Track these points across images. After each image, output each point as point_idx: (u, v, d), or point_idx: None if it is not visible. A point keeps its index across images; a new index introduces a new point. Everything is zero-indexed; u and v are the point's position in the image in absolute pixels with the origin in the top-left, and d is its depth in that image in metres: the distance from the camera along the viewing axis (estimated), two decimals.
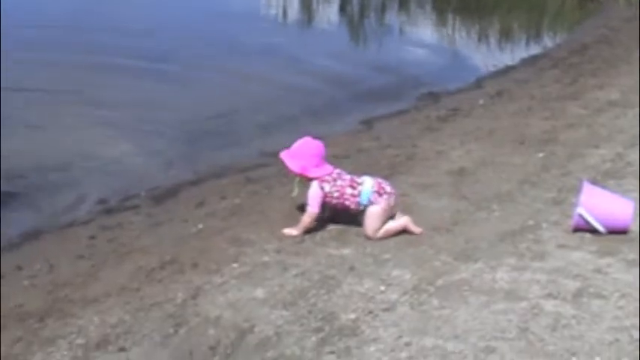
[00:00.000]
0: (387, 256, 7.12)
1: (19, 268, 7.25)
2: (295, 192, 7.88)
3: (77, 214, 8.51)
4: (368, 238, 7.56)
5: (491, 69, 15.56)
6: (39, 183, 9.28)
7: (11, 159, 9.64)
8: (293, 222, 7.78)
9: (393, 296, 6.40)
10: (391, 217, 7.71)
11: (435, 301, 6.33)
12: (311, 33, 19.17)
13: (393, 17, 21.23)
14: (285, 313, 6.15)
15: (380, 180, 7.79)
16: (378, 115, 12.08)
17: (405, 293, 6.45)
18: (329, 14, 21.16)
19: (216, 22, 18.22)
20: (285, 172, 8.90)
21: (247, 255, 7.16)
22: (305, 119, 11.75)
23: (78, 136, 10.46)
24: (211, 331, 5.92)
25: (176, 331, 5.94)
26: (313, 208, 7.63)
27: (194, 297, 6.39)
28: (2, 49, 13.42)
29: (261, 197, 8.48)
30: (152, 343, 5.83)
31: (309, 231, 7.61)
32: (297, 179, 7.81)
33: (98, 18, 18.24)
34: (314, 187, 7.65)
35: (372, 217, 7.58)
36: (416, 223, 7.68)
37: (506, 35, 19.61)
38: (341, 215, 7.83)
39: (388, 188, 7.70)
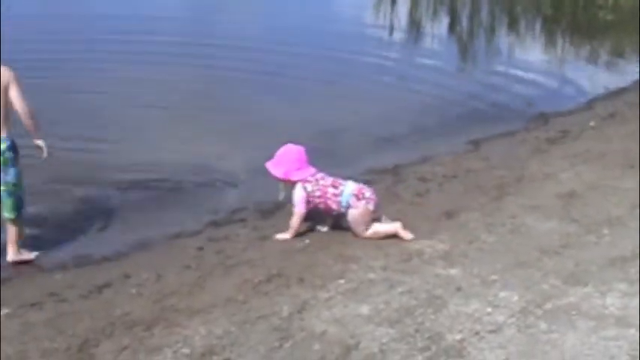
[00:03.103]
0: (494, 277, 7.04)
1: (127, 276, 7.37)
2: (281, 196, 8.34)
3: (186, 225, 8.60)
4: (356, 236, 8.05)
5: (602, 90, 15.24)
6: (149, 194, 9.46)
7: (123, 171, 9.88)
8: (400, 240, 7.79)
9: (500, 318, 6.33)
10: (377, 219, 8.11)
11: (543, 325, 6.24)
12: (419, 52, 19.09)
13: (502, 37, 21.02)
14: (390, 330, 6.13)
15: (362, 186, 8.25)
16: (487, 135, 11.95)
17: (512, 315, 6.37)
18: (438, 33, 21.07)
19: (325, 40, 18.26)
20: (393, 189, 8.96)
21: (353, 271, 7.16)
22: (412, 138, 11.71)
23: (190, 150, 10.59)
24: (316, 346, 5.93)
25: (281, 345, 5.95)
26: (299, 209, 8.13)
27: (300, 311, 6.41)
28: (120, 62, 13.72)
29: None
30: (257, 355, 5.86)
31: (414, 252, 7.55)
32: (282, 184, 8.28)
33: (213, 33, 18.53)
34: (297, 189, 8.13)
35: (353, 219, 8.06)
36: (524, 245, 7.63)
37: (617, 56, 19.25)
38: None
39: (368, 194, 8.12)
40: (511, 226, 8.14)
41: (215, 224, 8.60)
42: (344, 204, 8.07)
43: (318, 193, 8.10)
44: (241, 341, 6.01)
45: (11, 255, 7.67)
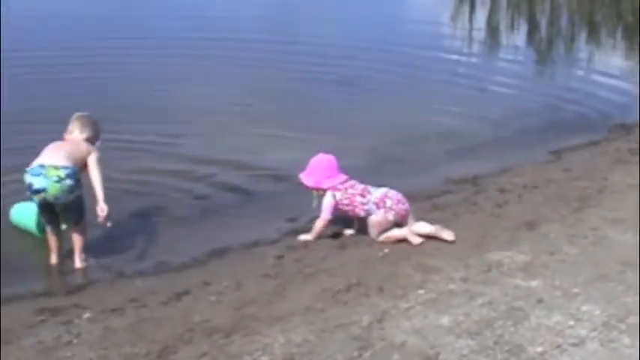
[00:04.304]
0: (576, 290, 6.94)
1: (207, 284, 7.41)
2: (315, 204, 8.47)
3: (264, 233, 8.62)
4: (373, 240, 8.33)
5: None
6: (227, 200, 9.50)
7: (202, 178, 10.00)
8: (480, 251, 7.74)
9: (582, 332, 6.24)
10: (400, 225, 8.36)
11: (626, 339, 6.15)
12: (498, 60, 18.95)
13: (582, 46, 20.80)
14: (470, 342, 6.08)
15: (386, 194, 8.40)
16: (568, 145, 11.81)
17: (594, 329, 6.28)
18: (516, 42, 20.91)
19: (403, 48, 18.20)
20: (472, 200, 8.90)
21: (433, 282, 7.12)
22: (492, 147, 11.63)
23: (267, 157, 10.64)
24: (396, 356, 5.90)
25: (360, 355, 5.93)
26: (325, 215, 8.38)
27: (379, 321, 6.38)
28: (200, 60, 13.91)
29: (448, 224, 8.38)
30: None
31: (494, 263, 7.50)
32: (315, 193, 8.46)
33: (296, 33, 18.71)
34: (327, 196, 8.39)
35: (370, 225, 8.36)
36: (606, 257, 7.53)
37: None
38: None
39: (389, 203, 8.32)
40: (593, 238, 8.03)
41: (294, 232, 8.60)
42: (369, 211, 8.33)
43: (346, 201, 8.36)
44: (320, 350, 6.00)
45: (79, 262, 7.84)
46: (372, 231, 8.32)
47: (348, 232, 8.61)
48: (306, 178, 8.47)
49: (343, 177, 8.44)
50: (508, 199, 9.46)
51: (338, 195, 8.34)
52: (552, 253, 7.76)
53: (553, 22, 23.44)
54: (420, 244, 8.14)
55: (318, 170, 8.42)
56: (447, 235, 8.19)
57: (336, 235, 8.53)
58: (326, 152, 8.55)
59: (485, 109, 13.57)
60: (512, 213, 9.01)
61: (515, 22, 23.49)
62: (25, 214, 8.19)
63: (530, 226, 8.53)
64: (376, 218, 8.27)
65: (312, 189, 8.46)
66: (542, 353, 5.94)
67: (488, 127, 12.58)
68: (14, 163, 8.86)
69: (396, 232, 8.30)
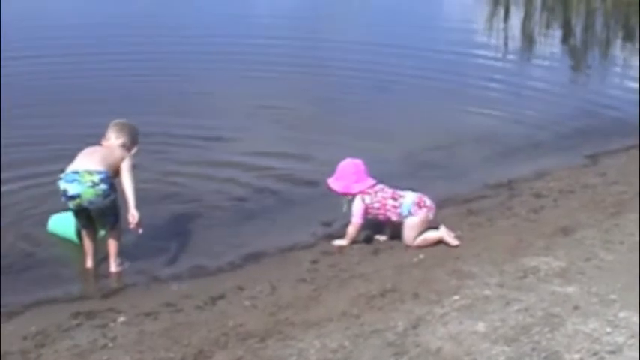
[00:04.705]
0: (613, 296, 6.88)
1: (241, 288, 7.42)
2: (345, 208, 8.49)
3: (299, 237, 8.62)
4: (407, 245, 8.32)
5: None
6: (262, 204, 9.49)
7: (237, 180, 10.00)
8: (516, 256, 7.70)
9: (620, 339, 6.17)
10: (431, 228, 8.36)
11: None
12: (533, 64, 18.85)
13: (617, 50, 20.67)
14: (506, 348, 6.03)
15: (421, 195, 8.42)
16: (604, 150, 11.72)
17: (632, 336, 6.21)
18: (551, 46, 20.81)
19: (438, 52, 18.16)
20: (508, 204, 8.86)
21: (469, 287, 7.08)
22: (528, 152, 11.57)
23: (302, 161, 10.64)
24: None
25: None
26: (356, 220, 8.36)
27: (415, 327, 6.35)
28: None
29: (484, 230, 8.38)
30: None
31: (530, 269, 7.45)
32: (344, 198, 8.47)
33: (332, 36, 18.77)
34: (356, 200, 8.37)
35: (410, 227, 8.30)
36: None
37: None
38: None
39: (428, 202, 8.37)
40: (629, 244, 7.95)
41: (329, 237, 8.60)
42: (405, 214, 8.30)
43: (377, 205, 8.35)
44: (355, 356, 5.98)
45: (114, 266, 7.87)
46: (410, 233, 8.28)
47: (381, 237, 8.59)
48: (335, 184, 8.48)
49: (372, 181, 8.44)
50: (544, 204, 9.40)
51: (367, 199, 8.34)
52: (588, 259, 7.69)
53: (588, 26, 23.30)
54: (457, 245, 8.19)
55: (346, 175, 8.43)
56: (452, 240, 8.28)
57: (370, 240, 8.51)
58: (358, 157, 8.54)
59: (521, 114, 13.47)
60: (547, 218, 8.96)
61: (550, 26, 23.37)
62: (64, 223, 8.23)
63: (566, 231, 8.48)
64: (417, 219, 8.27)
65: (341, 194, 8.47)
66: None
67: (524, 131, 12.49)
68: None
69: (433, 234, 8.31)
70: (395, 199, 8.35)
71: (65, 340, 6.38)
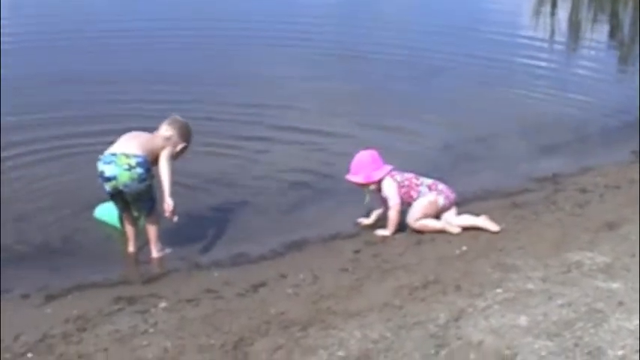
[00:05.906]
0: None
1: (283, 276, 7.42)
2: (367, 199, 8.60)
3: (342, 227, 8.60)
4: (408, 225, 8.40)
5: None
6: (305, 193, 9.50)
7: (281, 169, 10.02)
8: (560, 250, 7.63)
9: None
10: (437, 217, 8.43)
11: None
12: (580, 57, 18.68)
13: None
14: (549, 343, 5.98)
15: (437, 181, 8.53)
16: None
17: None
18: (598, 39, 20.60)
19: (483, 43, 18.06)
20: (552, 199, 8.77)
21: (512, 281, 7.03)
22: (574, 146, 11.47)
23: (345, 150, 10.57)
24: (472, 356, 5.83)
25: (437, 352, 5.88)
26: (396, 201, 8.35)
27: (456, 319, 6.32)
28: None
29: (528, 223, 8.31)
30: None
31: (574, 264, 7.38)
32: (366, 189, 8.55)
33: (368, 33, 18.70)
34: (387, 182, 8.43)
35: (417, 207, 8.37)
36: None
37: None
38: None
39: (440, 187, 8.45)
40: None
41: (372, 227, 8.57)
42: (423, 192, 8.39)
43: (406, 182, 8.41)
44: (397, 347, 5.96)
45: (155, 252, 7.90)
46: (415, 213, 8.34)
47: (365, 220, 8.69)
48: (355, 177, 8.51)
49: (389, 166, 8.49)
50: (589, 198, 9.31)
51: (398, 177, 8.42)
52: (633, 255, 7.59)
53: (636, 19, 23.03)
54: (458, 233, 8.27)
55: (364, 165, 8.47)
56: (493, 226, 8.27)
57: (403, 228, 8.47)
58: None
59: (567, 107, 13.37)
60: (593, 213, 8.87)
61: (597, 20, 23.14)
62: (110, 210, 8.27)
63: (611, 226, 8.39)
64: (426, 200, 8.35)
65: (365, 185, 8.50)
66: (622, 357, 5.82)
67: (570, 125, 12.38)
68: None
69: (434, 222, 8.38)
70: (417, 179, 8.45)
71: (106, 325, 6.40)
